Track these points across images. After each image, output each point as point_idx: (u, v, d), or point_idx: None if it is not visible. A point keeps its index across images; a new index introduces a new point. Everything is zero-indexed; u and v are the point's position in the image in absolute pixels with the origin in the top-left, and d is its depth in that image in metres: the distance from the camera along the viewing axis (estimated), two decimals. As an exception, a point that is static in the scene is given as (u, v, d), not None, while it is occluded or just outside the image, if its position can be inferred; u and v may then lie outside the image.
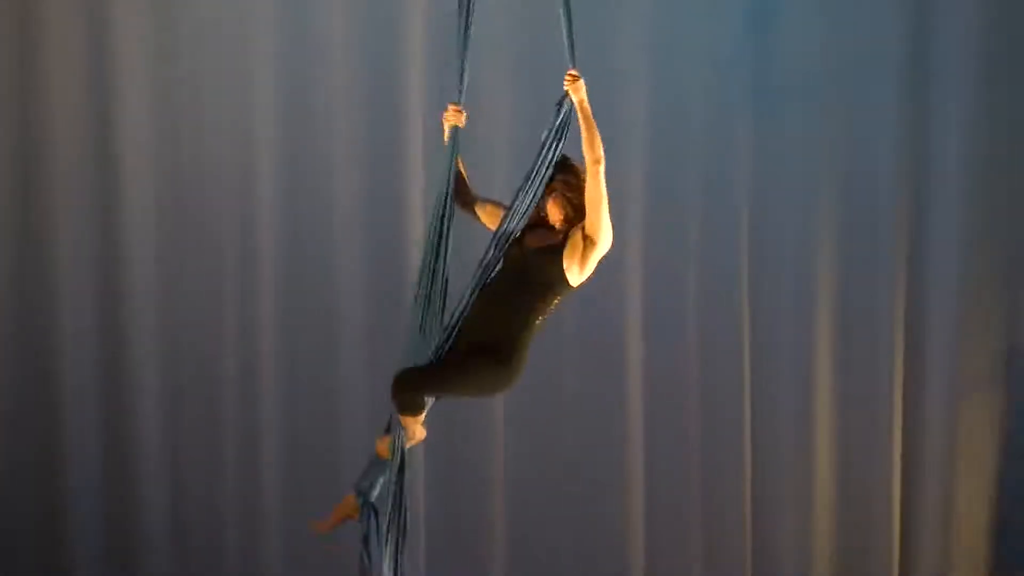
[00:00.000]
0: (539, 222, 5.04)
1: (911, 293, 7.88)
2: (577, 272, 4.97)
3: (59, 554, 7.43)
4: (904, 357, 7.88)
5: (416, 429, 5.17)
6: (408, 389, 5.08)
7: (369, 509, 5.22)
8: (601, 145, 4.87)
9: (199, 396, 7.48)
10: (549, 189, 4.99)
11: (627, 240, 7.62)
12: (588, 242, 4.95)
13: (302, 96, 7.43)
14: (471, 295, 5.01)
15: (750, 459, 7.85)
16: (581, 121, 4.90)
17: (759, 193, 7.76)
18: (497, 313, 5.00)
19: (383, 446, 5.23)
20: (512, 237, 5.00)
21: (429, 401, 5.16)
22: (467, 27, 5.05)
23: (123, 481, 7.47)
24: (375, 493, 5.25)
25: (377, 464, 5.28)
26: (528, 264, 4.99)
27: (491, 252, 5.01)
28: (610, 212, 4.99)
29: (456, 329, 5.04)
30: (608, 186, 4.96)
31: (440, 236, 5.03)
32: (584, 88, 4.91)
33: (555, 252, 4.98)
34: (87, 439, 7.42)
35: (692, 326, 7.78)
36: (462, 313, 5.03)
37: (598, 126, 4.93)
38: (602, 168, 4.87)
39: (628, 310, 7.72)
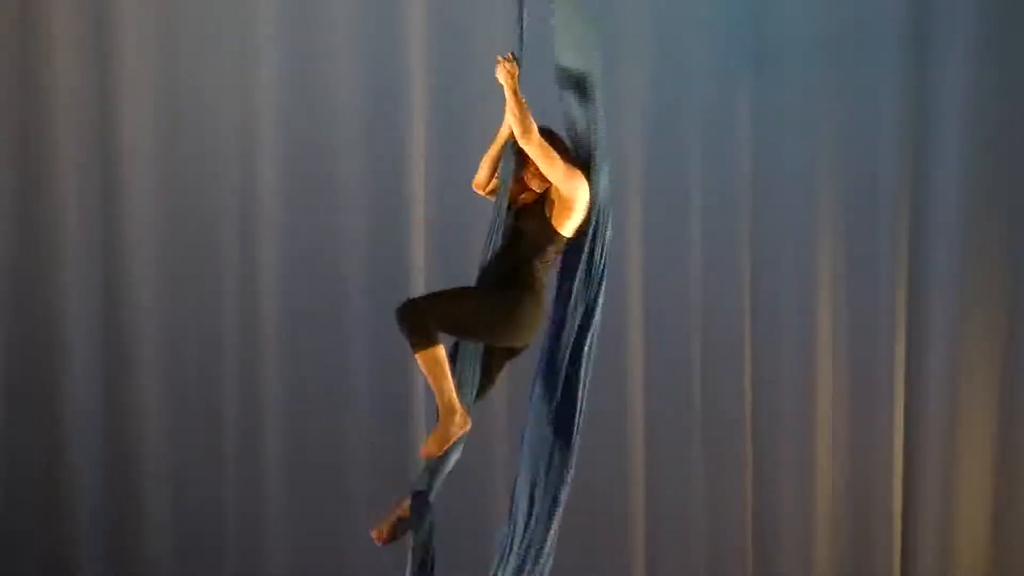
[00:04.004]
0: (525, 189, 5.32)
1: (912, 292, 7.89)
2: (564, 221, 5.19)
3: (62, 553, 7.44)
4: (905, 357, 7.91)
5: (452, 416, 5.18)
6: (412, 315, 5.15)
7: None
8: (522, 120, 5.06)
9: (201, 395, 7.51)
10: (517, 165, 5.27)
11: (628, 239, 7.64)
12: (560, 196, 5.17)
13: (304, 90, 7.47)
14: (484, 259, 5.31)
15: (751, 460, 7.86)
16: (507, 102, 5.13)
17: (760, 174, 7.78)
18: (502, 264, 5.27)
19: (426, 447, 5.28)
20: (505, 208, 5.31)
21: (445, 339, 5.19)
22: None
23: (125, 480, 7.49)
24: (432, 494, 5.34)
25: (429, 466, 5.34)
26: (523, 225, 5.28)
27: (495, 220, 5.32)
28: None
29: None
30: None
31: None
32: (509, 74, 5.09)
33: (541, 210, 5.24)
34: (90, 438, 7.45)
35: (694, 325, 7.80)
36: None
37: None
38: (533, 138, 5.07)
39: (629, 307, 7.74)
